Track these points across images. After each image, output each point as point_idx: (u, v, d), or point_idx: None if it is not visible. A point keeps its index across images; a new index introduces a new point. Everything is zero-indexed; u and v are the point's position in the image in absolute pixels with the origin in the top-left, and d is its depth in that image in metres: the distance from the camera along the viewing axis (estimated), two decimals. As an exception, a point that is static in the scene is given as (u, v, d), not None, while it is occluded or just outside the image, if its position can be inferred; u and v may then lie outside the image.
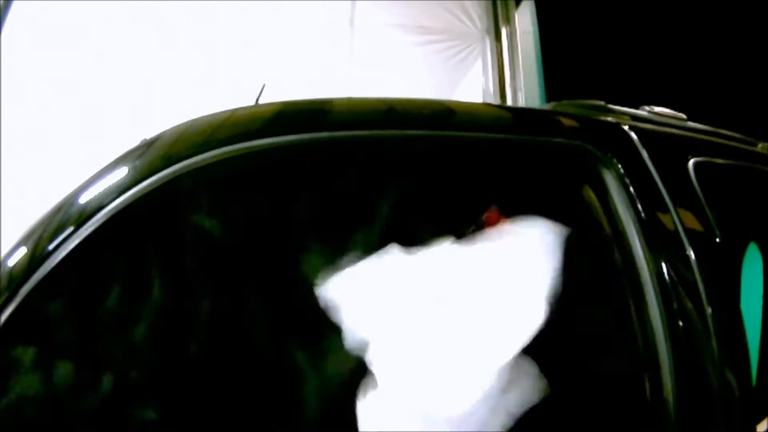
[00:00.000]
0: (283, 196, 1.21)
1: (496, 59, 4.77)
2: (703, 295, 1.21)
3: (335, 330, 1.05)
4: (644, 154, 1.30)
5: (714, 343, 1.23)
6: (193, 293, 1.15)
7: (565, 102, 1.66)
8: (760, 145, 2.03)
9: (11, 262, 1.03)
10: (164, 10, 4.07)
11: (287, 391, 1.09)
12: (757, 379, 2.46)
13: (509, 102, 4.65)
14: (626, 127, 1.37)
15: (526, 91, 4.63)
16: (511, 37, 4.78)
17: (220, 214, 1.18)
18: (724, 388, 1.24)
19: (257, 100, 1.68)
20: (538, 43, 4.78)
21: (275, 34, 4.28)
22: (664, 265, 1.17)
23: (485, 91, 4.67)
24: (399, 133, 1.25)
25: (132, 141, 1.22)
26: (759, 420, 1.31)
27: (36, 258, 1.02)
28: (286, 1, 4.29)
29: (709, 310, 1.22)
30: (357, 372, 1.03)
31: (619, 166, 1.22)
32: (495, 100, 4.67)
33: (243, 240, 1.20)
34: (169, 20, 4.08)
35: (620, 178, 1.21)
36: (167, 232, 1.16)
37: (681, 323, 1.18)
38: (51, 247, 1.02)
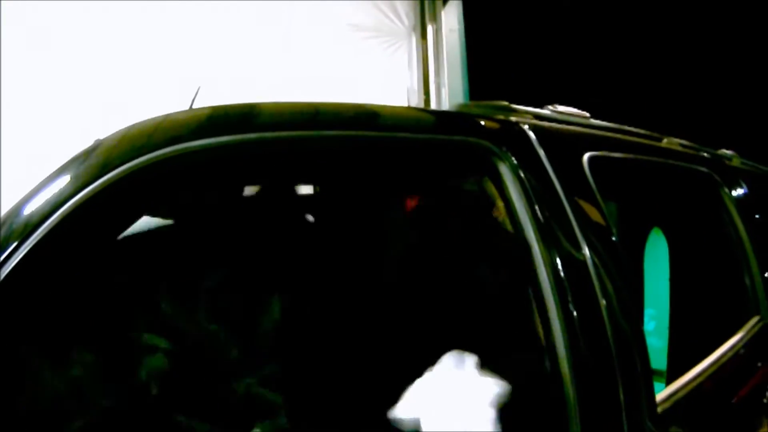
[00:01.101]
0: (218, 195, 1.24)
1: (421, 56, 4.84)
2: (595, 281, 1.29)
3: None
4: (538, 147, 1.37)
5: (609, 331, 1.31)
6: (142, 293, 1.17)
7: (471, 103, 1.73)
8: (665, 140, 2.17)
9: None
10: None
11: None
12: (671, 351, 2.62)
13: (432, 98, 4.73)
14: (523, 124, 1.44)
15: (450, 88, 4.72)
16: (437, 34, 4.86)
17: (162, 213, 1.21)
18: (622, 377, 1.31)
19: (192, 104, 1.68)
20: (464, 42, 4.87)
21: (210, 35, 4.23)
22: (555, 252, 1.24)
23: (410, 88, 4.73)
24: (323, 134, 1.28)
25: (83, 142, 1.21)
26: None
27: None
28: (216, 1, 4.24)
29: (603, 301, 1.30)
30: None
31: (513, 158, 1.29)
32: (419, 96, 4.75)
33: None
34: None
35: (514, 170, 1.28)
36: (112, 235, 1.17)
37: (575, 311, 1.25)
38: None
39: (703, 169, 2.13)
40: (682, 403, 1.59)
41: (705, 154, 2.29)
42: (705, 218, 2.28)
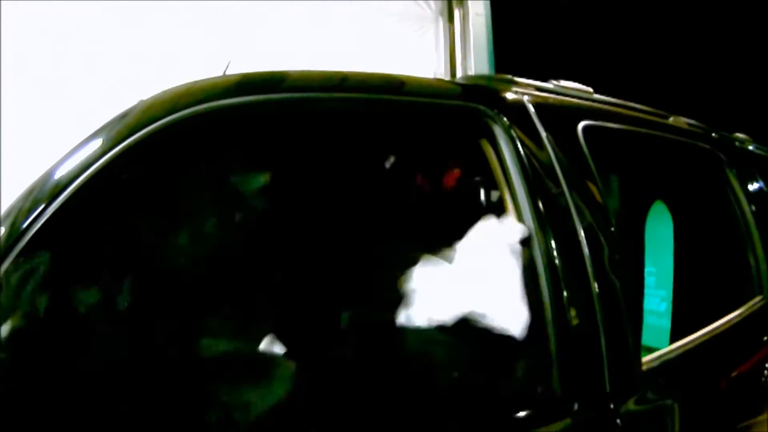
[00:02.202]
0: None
1: (448, 40, 4.91)
2: (581, 234, 1.38)
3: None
4: (533, 113, 1.47)
5: (594, 284, 1.39)
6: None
7: (477, 75, 1.83)
8: (671, 119, 2.23)
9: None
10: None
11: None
12: (673, 329, 2.65)
13: (459, 82, 4.77)
14: (521, 94, 1.54)
15: (476, 71, 4.78)
16: (464, 19, 4.92)
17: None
18: (605, 331, 1.40)
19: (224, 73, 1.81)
20: (490, 26, 4.92)
21: (243, 16, 4.34)
22: (541, 204, 1.34)
23: (436, 72, 4.81)
24: (343, 96, 1.41)
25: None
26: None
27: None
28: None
29: (588, 254, 1.38)
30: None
31: (506, 120, 1.39)
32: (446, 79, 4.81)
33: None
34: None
35: (506, 130, 1.38)
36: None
37: (559, 262, 1.34)
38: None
39: (707, 146, 2.18)
40: (668, 364, 1.66)
41: (712, 134, 2.34)
42: (709, 196, 2.33)
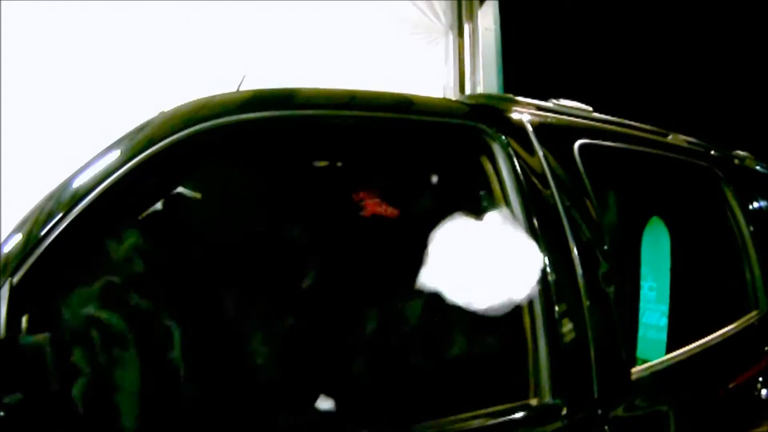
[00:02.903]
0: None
1: (457, 54, 4.99)
2: (573, 245, 1.46)
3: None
4: (531, 131, 1.55)
5: (583, 293, 1.46)
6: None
7: (480, 94, 1.92)
8: (670, 136, 2.29)
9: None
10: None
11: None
12: (669, 335, 2.68)
13: (468, 95, 4.85)
14: (520, 113, 1.62)
15: (485, 85, 4.86)
16: (474, 33, 5.00)
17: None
18: (594, 338, 1.47)
19: (238, 88, 1.89)
20: (499, 41, 5.01)
21: (253, 27, 4.41)
22: (536, 218, 1.41)
23: (446, 86, 4.89)
24: (351, 114, 1.50)
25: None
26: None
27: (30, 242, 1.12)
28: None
29: (579, 263, 1.46)
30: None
31: (504, 138, 1.47)
32: (455, 94, 4.89)
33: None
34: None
35: (504, 148, 1.47)
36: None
37: (551, 272, 1.41)
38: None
39: (703, 164, 2.24)
40: (658, 374, 1.72)
41: (712, 152, 2.39)
42: (706, 212, 2.38)
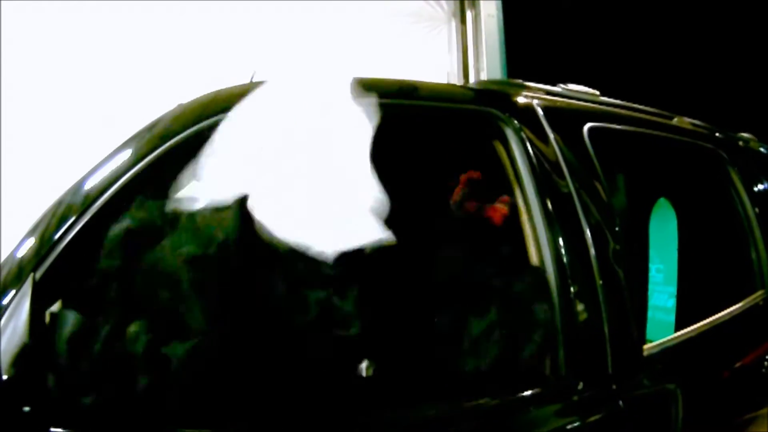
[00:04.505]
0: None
1: (460, 41, 5.00)
2: (584, 224, 1.50)
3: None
4: (541, 115, 1.59)
5: (597, 272, 1.50)
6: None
7: (489, 80, 1.95)
8: (675, 119, 2.32)
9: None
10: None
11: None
12: (677, 314, 2.72)
13: (472, 82, 4.87)
14: (531, 97, 1.66)
15: (488, 72, 4.87)
16: (476, 20, 5.01)
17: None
18: (608, 315, 1.51)
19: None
20: (502, 27, 5.01)
21: (256, 18, 4.42)
22: (548, 199, 1.45)
23: (449, 72, 4.90)
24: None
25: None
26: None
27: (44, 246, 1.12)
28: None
29: (591, 242, 1.50)
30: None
31: (516, 123, 1.50)
32: (459, 80, 4.90)
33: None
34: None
35: (517, 132, 1.50)
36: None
37: (564, 250, 1.45)
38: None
39: (709, 145, 2.27)
40: (668, 351, 1.76)
41: (716, 134, 2.43)
42: (711, 193, 2.41)
